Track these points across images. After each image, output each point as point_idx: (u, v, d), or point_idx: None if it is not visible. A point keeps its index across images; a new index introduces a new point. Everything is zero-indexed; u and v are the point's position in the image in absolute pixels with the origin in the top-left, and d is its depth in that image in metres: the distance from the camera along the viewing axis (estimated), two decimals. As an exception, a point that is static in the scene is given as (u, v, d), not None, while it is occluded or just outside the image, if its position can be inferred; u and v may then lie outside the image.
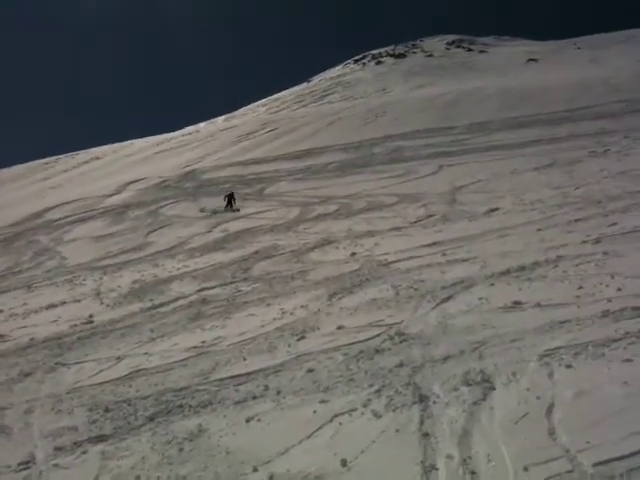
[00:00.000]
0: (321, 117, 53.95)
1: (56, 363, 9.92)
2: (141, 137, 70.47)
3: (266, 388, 7.77)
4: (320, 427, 6.57)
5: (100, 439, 7.09)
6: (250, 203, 25.59)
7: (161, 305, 12.72)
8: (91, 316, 12.50)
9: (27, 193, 43.15)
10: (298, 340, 9.38)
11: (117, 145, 66.32)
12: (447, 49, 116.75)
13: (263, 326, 10.30)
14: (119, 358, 9.76)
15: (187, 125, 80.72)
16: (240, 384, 8.05)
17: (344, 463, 5.81)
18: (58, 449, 6.97)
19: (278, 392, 7.61)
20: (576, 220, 14.28)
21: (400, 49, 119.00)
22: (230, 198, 25.56)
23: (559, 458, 5.34)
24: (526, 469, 5.26)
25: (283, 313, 10.89)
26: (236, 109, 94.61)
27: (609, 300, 8.81)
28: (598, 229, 13.08)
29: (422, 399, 6.78)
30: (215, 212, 24.76)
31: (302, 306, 11.14)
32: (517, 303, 9.34)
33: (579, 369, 6.85)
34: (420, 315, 9.61)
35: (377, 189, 24.58)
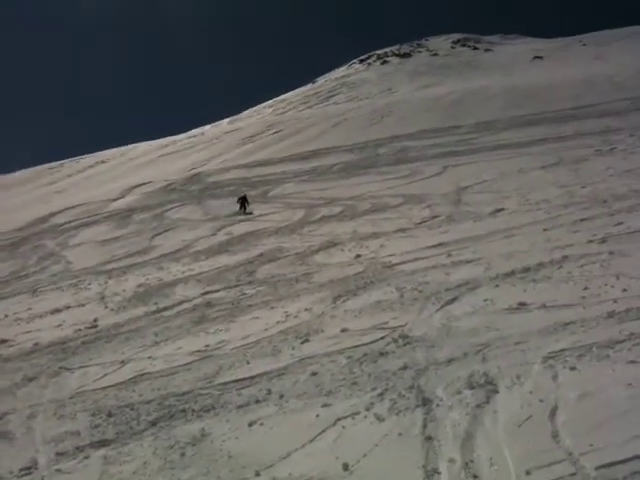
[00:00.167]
0: (326, 118, 53.89)
1: (60, 368, 9.93)
2: (146, 140, 70.60)
3: (269, 392, 7.75)
4: (323, 431, 6.55)
5: (102, 444, 7.09)
6: (255, 205, 25.54)
7: (165, 309, 12.72)
8: (95, 320, 12.52)
9: (32, 198, 43.27)
10: (302, 343, 9.36)
11: (122, 149, 66.41)
12: (452, 48, 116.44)
13: (267, 329, 10.29)
14: (123, 362, 9.77)
15: (192, 127, 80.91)
16: (243, 388, 8.03)
17: (346, 467, 5.78)
18: (60, 454, 6.97)
19: (281, 396, 7.59)
20: (582, 220, 14.21)
21: (405, 48, 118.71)
22: (243, 201, 25.26)
23: (562, 461, 5.29)
24: (529, 473, 5.21)
25: (287, 316, 10.87)
26: (241, 111, 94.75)
27: (614, 301, 8.75)
28: (604, 229, 13.00)
29: (425, 402, 6.75)
30: (228, 216, 24.45)
31: (306, 309, 11.11)
32: (522, 304, 9.29)
33: (583, 371, 6.80)
34: (424, 317, 9.57)
35: (382, 190, 24.52)
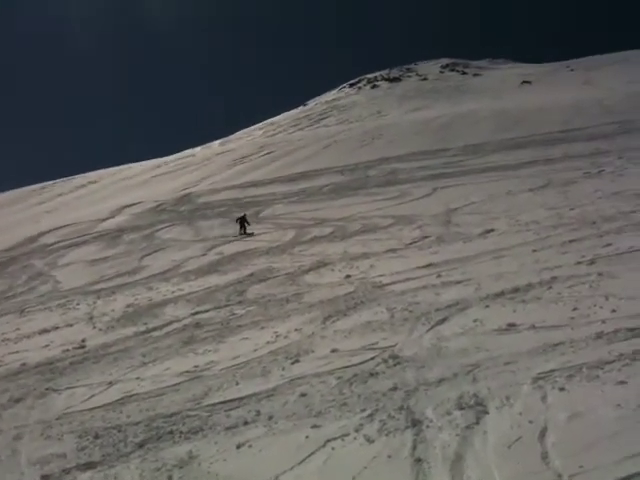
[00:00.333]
0: (317, 140, 54.20)
1: (47, 389, 9.82)
2: (137, 161, 70.68)
3: (258, 413, 7.68)
4: (312, 453, 6.48)
5: (89, 466, 6.99)
6: (237, 226, 25.55)
7: (154, 329, 12.64)
8: (84, 340, 12.42)
9: (22, 217, 43.14)
10: (292, 364, 9.30)
11: (113, 169, 66.43)
12: (441, 72, 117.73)
13: (257, 350, 10.22)
14: (110, 383, 9.67)
15: (183, 149, 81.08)
16: (232, 409, 7.96)
17: (335, 489, 5.73)
18: (46, 476, 6.88)
19: (270, 417, 7.52)
20: (571, 241, 14.27)
21: (395, 73, 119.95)
22: (243, 221, 24.78)
23: (552, 483, 5.26)
24: (519, 494, 5.18)
25: (277, 336, 10.81)
26: (232, 133, 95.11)
27: (603, 322, 8.76)
28: (593, 250, 13.06)
29: (415, 423, 6.70)
30: (223, 237, 24.10)
31: (296, 329, 11.07)
32: (512, 325, 9.29)
33: (573, 392, 6.78)
34: (414, 338, 9.55)
35: (372, 211, 24.61)
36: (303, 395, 8.02)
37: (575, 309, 9.54)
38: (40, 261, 23.83)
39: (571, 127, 39.97)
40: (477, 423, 6.48)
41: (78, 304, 15.98)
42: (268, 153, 52.06)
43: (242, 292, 14.76)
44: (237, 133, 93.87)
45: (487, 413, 6.67)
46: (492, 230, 17.26)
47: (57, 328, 13.86)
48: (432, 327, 9.90)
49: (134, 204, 36.49)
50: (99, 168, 68.82)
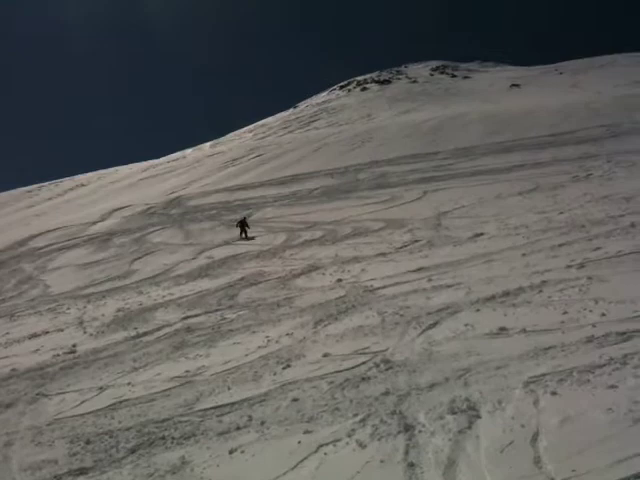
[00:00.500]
0: (307, 143, 54.18)
1: (37, 394, 9.77)
2: (126, 163, 70.41)
3: (250, 418, 7.68)
4: (304, 458, 6.49)
5: (80, 472, 6.97)
6: (236, 230, 25.51)
7: (145, 334, 12.59)
8: (74, 345, 12.36)
9: (11, 221, 42.83)
10: (283, 369, 9.30)
11: (102, 172, 66.10)
12: (431, 75, 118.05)
13: (248, 355, 10.21)
14: (101, 388, 9.64)
15: (173, 151, 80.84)
16: (224, 414, 7.95)
17: (328, 495, 5.73)
18: (37, 484, 6.83)
19: (262, 422, 7.52)
20: (560, 245, 14.35)
21: (385, 75, 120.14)
22: (243, 225, 24.13)
23: (545, 487, 5.30)
24: (512, 499, 5.20)
25: (268, 341, 10.81)
26: (222, 135, 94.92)
27: (593, 325, 8.82)
28: (582, 254, 13.14)
29: (407, 428, 6.72)
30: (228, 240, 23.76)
31: (288, 334, 11.06)
32: (502, 329, 9.33)
33: (564, 396, 6.83)
34: (406, 342, 9.57)
35: (363, 215, 24.64)
36: (295, 400, 8.02)
37: (565, 313, 9.61)
38: (30, 265, 23.69)
39: (560, 131, 40.15)
40: (469, 427, 6.52)
41: (68, 308, 15.90)
42: (258, 156, 51.99)
43: (233, 296, 14.74)
44: (228, 135, 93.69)
45: (479, 417, 6.70)
46: (482, 234, 17.33)
47: (47, 333, 13.78)
48: (423, 331, 9.93)
49: (124, 207, 36.32)
50: (88, 171, 68.60)
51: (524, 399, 6.93)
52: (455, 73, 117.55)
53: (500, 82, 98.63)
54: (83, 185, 57.24)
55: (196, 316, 13.41)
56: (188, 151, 78.48)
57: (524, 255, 14.03)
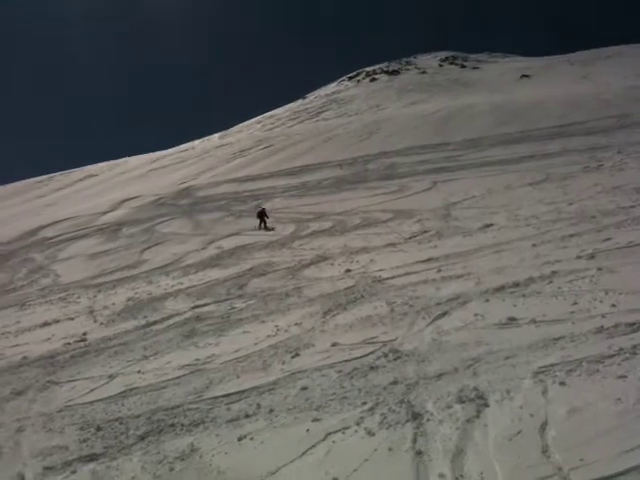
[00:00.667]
0: (316, 134, 54.15)
1: (48, 381, 9.85)
2: (136, 154, 70.62)
3: (259, 406, 7.71)
4: (313, 446, 6.52)
5: (91, 458, 7.02)
6: (245, 220, 25.57)
7: (155, 322, 12.66)
8: (84, 334, 12.44)
9: (22, 211, 43.10)
10: (292, 357, 9.33)
11: (112, 162, 66.40)
12: (440, 66, 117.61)
13: (257, 343, 10.25)
14: (112, 376, 9.70)
15: (183, 142, 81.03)
16: (233, 402, 7.99)
17: (336, 482, 5.76)
18: (48, 468, 6.90)
19: (271, 410, 7.55)
20: (570, 235, 14.29)
21: (394, 66, 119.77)
22: (262, 215, 23.70)
23: (552, 476, 5.30)
24: (519, 487, 5.22)
25: (277, 330, 10.84)
26: (231, 126, 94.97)
27: (603, 316, 8.80)
28: (592, 244, 13.08)
29: (415, 417, 6.74)
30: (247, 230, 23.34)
31: (296, 323, 11.09)
32: (512, 319, 9.32)
33: (573, 386, 6.82)
34: (415, 332, 9.57)
35: (372, 205, 24.62)
36: (304, 389, 8.05)
37: (575, 303, 9.58)
38: (40, 254, 23.85)
39: (569, 121, 39.97)
40: (478, 416, 6.52)
41: (79, 298, 16.00)
42: (267, 147, 52.04)
43: (242, 286, 14.78)
44: (236, 126, 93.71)
45: (488, 406, 6.71)
46: (491, 224, 17.27)
47: (58, 321, 13.88)
48: (432, 321, 9.93)
49: (134, 197, 36.51)
50: (98, 161, 68.88)
51: (533, 389, 6.92)
52: (464, 64, 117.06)
53: (510, 73, 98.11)
54: (93, 176, 57.50)
55: (205, 305, 13.46)
56: (197, 142, 78.63)
57: (534, 246, 13.98)
